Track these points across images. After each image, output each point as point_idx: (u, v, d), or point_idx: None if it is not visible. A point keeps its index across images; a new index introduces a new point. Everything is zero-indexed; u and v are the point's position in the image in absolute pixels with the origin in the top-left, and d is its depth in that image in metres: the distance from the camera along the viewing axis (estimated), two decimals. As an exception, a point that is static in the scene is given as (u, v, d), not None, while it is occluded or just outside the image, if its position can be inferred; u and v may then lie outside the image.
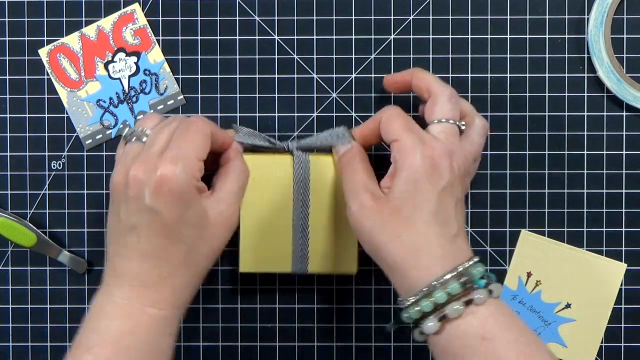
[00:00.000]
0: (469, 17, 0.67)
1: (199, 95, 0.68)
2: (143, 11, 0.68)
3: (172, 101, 0.66)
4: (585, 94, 0.67)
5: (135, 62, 0.65)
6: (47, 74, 0.67)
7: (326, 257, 0.62)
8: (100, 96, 0.66)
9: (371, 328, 0.68)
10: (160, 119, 0.59)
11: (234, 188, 0.59)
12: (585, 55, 0.67)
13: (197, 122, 0.57)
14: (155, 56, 0.66)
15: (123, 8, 0.66)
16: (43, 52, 0.65)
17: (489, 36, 0.67)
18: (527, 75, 0.67)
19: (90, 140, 0.66)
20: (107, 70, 0.65)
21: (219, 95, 0.68)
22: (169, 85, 0.66)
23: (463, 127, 0.58)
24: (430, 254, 0.53)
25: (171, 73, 0.66)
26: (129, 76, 0.65)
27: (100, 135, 0.66)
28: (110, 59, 0.65)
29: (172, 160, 0.55)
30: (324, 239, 0.62)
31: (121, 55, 0.65)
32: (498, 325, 0.52)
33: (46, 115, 0.68)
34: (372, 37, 0.67)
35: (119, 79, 0.65)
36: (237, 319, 0.68)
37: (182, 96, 0.67)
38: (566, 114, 0.67)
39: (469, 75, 0.67)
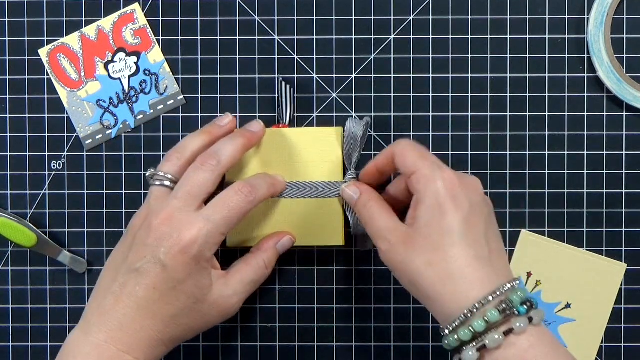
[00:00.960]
0: (469, 17, 0.67)
1: (199, 95, 0.68)
2: (143, 11, 0.68)
3: (172, 101, 0.66)
4: (585, 94, 0.67)
5: (135, 62, 0.65)
6: (47, 74, 0.67)
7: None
8: (100, 96, 0.65)
9: (371, 328, 0.68)
10: (180, 159, 0.60)
11: (247, 279, 0.60)
12: (585, 55, 0.67)
13: (244, 193, 0.59)
14: (155, 56, 0.66)
15: (123, 8, 0.66)
16: (43, 52, 0.65)
17: (489, 36, 0.67)
18: (527, 75, 0.67)
19: (90, 140, 0.66)
20: (107, 70, 0.65)
21: (219, 95, 0.68)
22: (169, 85, 0.66)
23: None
24: (464, 279, 0.51)
25: (171, 73, 0.66)
26: (129, 76, 0.65)
27: (100, 135, 0.66)
28: (110, 59, 0.65)
29: (201, 225, 0.56)
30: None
31: (121, 55, 0.65)
32: (539, 357, 0.51)
33: (46, 115, 0.68)
34: (372, 37, 0.67)
35: (119, 79, 0.65)
36: (237, 319, 0.68)
37: (182, 96, 0.67)
38: (566, 114, 0.67)
39: (469, 75, 0.67)
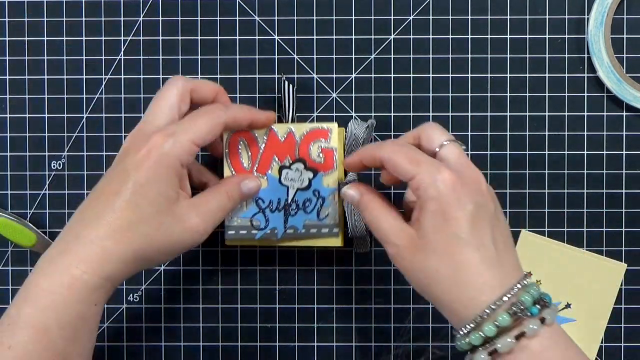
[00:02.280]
0: (469, 17, 0.67)
1: (199, 95, 0.68)
2: (143, 11, 0.68)
3: (326, 230, 0.62)
4: (585, 94, 0.67)
5: (309, 179, 0.61)
6: (224, 155, 0.62)
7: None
8: (263, 195, 0.61)
9: (371, 328, 0.68)
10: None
11: (212, 205, 0.57)
12: (585, 55, 0.67)
13: (214, 111, 0.57)
14: (330, 181, 0.61)
15: (317, 122, 0.62)
16: (226, 132, 0.61)
17: (489, 36, 0.67)
18: (527, 75, 0.67)
19: (233, 232, 0.62)
20: (280, 174, 0.61)
21: (219, 95, 0.68)
22: (330, 214, 0.62)
23: (463, 147, 0.56)
24: (474, 284, 0.50)
25: (337, 203, 0.62)
26: (298, 189, 0.61)
27: (245, 232, 0.62)
28: (287, 164, 0.61)
29: (169, 130, 0.54)
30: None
31: (299, 165, 0.61)
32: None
33: (46, 115, 0.68)
34: (372, 37, 0.67)
35: (287, 187, 0.61)
36: (237, 319, 0.68)
37: (337, 229, 0.62)
38: (566, 114, 0.67)
39: (469, 75, 0.67)
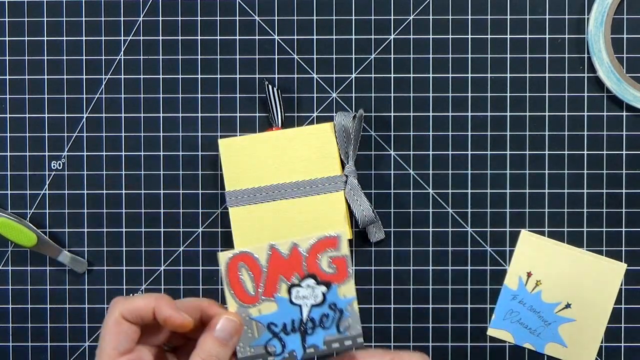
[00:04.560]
0: (469, 17, 0.67)
1: (199, 95, 0.68)
2: (143, 11, 0.68)
3: (349, 342, 0.56)
4: (585, 94, 0.67)
5: (323, 293, 0.56)
6: (220, 282, 0.61)
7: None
8: (274, 319, 0.56)
9: (371, 328, 0.68)
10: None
11: None
12: (585, 55, 0.67)
13: (110, 310, 0.52)
14: (346, 291, 0.56)
15: (327, 232, 0.55)
16: (223, 257, 0.56)
17: (489, 36, 0.67)
18: (527, 75, 0.67)
19: None
20: (290, 294, 0.55)
21: (219, 95, 0.68)
22: (352, 325, 0.56)
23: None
24: None
25: (358, 313, 0.56)
26: (312, 305, 0.56)
27: None
28: (297, 282, 0.56)
29: None
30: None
31: (310, 281, 0.55)
32: None
33: (46, 115, 0.68)
34: (372, 37, 0.67)
35: (300, 305, 0.56)
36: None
37: (361, 339, 0.56)
38: (566, 114, 0.67)
39: (469, 75, 0.67)
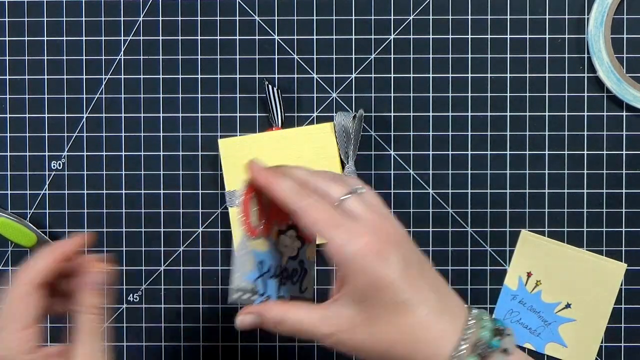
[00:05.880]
0: (469, 17, 0.67)
1: (199, 95, 0.68)
2: (143, 11, 0.68)
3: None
4: (585, 94, 0.67)
5: (297, 248, 0.57)
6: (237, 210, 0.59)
7: None
8: (264, 258, 0.57)
9: (371, 328, 0.68)
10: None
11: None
12: (585, 55, 0.67)
13: (15, 281, 0.53)
14: (310, 254, 0.58)
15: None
16: (242, 184, 0.56)
17: (489, 36, 0.67)
18: (527, 75, 0.67)
19: (237, 295, 0.56)
20: (278, 239, 0.57)
21: (219, 96, 0.68)
22: (308, 287, 0.58)
23: (364, 190, 0.51)
24: (430, 340, 0.48)
25: (315, 278, 0.58)
26: (289, 257, 0.57)
27: (246, 297, 0.56)
28: (284, 229, 0.57)
29: None
30: None
31: (292, 232, 0.56)
32: None
33: (46, 115, 0.68)
34: (372, 37, 0.67)
35: (281, 253, 0.57)
36: (237, 319, 0.68)
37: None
38: (566, 114, 0.67)
39: (469, 75, 0.67)
